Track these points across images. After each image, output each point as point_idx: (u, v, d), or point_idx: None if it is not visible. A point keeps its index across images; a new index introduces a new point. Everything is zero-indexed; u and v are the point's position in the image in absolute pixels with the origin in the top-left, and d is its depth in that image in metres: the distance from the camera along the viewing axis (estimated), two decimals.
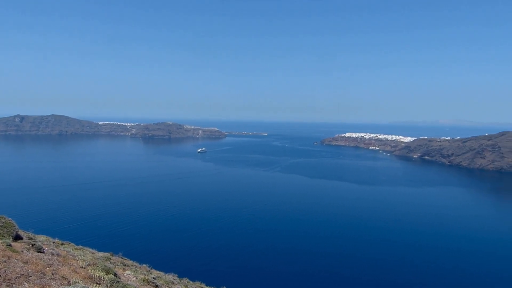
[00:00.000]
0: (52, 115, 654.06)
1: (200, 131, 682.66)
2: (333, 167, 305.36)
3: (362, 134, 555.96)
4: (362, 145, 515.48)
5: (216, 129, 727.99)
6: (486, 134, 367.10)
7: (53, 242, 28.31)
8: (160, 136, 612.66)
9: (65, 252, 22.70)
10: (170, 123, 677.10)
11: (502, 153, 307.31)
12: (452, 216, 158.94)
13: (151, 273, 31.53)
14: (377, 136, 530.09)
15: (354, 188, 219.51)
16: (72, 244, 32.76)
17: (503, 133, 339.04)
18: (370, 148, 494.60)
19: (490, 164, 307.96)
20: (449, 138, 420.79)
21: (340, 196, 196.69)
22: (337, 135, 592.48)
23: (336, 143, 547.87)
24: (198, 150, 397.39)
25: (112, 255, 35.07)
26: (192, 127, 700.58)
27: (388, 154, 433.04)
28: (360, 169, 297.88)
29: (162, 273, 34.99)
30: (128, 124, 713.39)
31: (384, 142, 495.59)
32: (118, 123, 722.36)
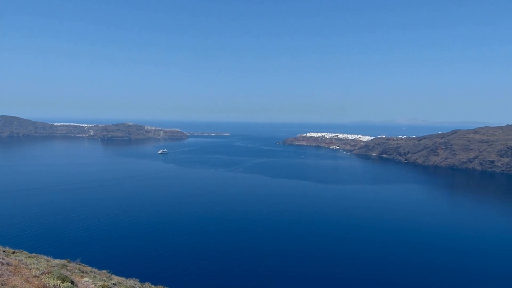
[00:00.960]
0: (2, 116, 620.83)
1: (162, 132, 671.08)
2: (296, 167, 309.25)
3: (323, 134, 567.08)
4: (323, 145, 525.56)
5: (178, 130, 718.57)
6: (439, 132, 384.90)
7: (3, 251, 26.62)
8: (119, 138, 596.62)
9: (17, 261, 21.34)
10: (130, 124, 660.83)
11: (454, 151, 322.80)
12: (409, 211, 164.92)
13: (111, 279, 30.40)
14: (337, 135, 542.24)
15: (316, 187, 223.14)
16: (25, 252, 31.02)
17: (454, 132, 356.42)
18: (331, 147, 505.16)
19: (443, 161, 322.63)
20: (405, 136, 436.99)
21: (303, 195, 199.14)
22: (299, 135, 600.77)
23: (298, 143, 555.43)
24: (160, 152, 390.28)
25: (69, 262, 33.57)
26: (153, 128, 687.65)
27: (348, 153, 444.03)
28: (322, 168, 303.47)
29: (123, 279, 33.87)
30: (86, 125, 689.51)
31: (344, 141, 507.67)
32: (75, 124, 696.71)
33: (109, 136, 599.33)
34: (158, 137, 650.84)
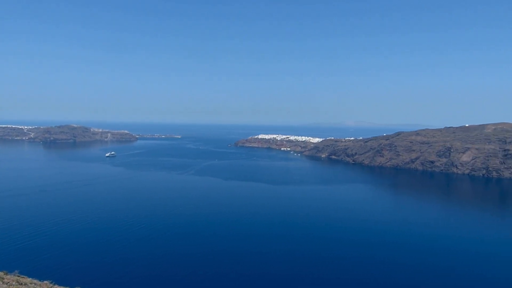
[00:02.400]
0: None
1: (109, 134, 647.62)
2: (248, 169, 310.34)
3: (274, 136, 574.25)
4: (274, 146, 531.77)
5: (126, 132, 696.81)
6: (384, 134, 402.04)
7: None
8: (63, 140, 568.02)
9: None
10: (75, 126, 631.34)
11: (398, 152, 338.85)
12: (358, 210, 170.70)
13: None
14: (288, 137, 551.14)
15: (269, 188, 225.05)
16: None
17: (398, 134, 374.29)
18: (282, 149, 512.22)
19: (388, 161, 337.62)
20: (353, 138, 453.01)
21: (256, 196, 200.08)
22: (250, 137, 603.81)
23: (250, 145, 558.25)
24: (107, 154, 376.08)
25: (6, 274, 31.32)
26: (100, 130, 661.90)
27: (299, 154, 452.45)
28: (273, 170, 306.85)
29: None
30: (26, 127, 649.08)
31: (295, 143, 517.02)
32: (12, 126, 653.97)
33: (51, 138, 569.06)
34: (106, 139, 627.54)
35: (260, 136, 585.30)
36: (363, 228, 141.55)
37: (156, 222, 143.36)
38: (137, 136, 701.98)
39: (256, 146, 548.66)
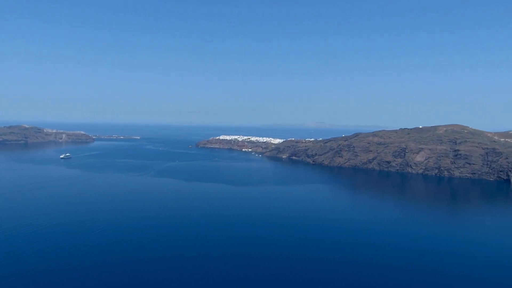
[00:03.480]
0: None
1: (64, 135, 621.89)
2: (209, 169, 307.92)
3: (236, 137, 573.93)
4: (235, 147, 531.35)
5: (82, 132, 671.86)
6: (343, 135, 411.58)
7: None
8: (13, 141, 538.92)
9: None
10: (27, 126, 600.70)
11: (356, 152, 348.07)
12: (318, 209, 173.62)
13: None
14: (249, 138, 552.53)
15: (230, 189, 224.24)
16: None
17: (356, 135, 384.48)
18: (243, 150, 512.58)
19: (346, 162, 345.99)
20: (313, 139, 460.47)
21: (218, 197, 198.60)
22: (211, 137, 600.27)
23: (211, 146, 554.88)
24: (62, 156, 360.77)
25: None
26: (54, 131, 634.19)
27: (260, 155, 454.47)
28: (235, 170, 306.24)
29: None
30: None
31: (256, 144, 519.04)
32: None
33: (0, 139, 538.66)
34: (60, 140, 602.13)
35: (221, 137, 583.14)
36: (325, 227, 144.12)
37: (115, 226, 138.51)
38: (94, 137, 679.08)
39: (218, 147, 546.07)
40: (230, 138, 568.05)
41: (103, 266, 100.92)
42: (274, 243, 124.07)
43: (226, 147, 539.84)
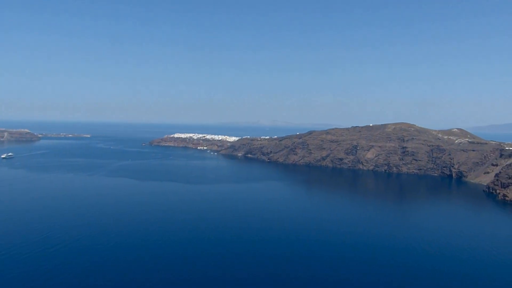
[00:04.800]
0: None
1: (6, 134, 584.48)
2: (164, 168, 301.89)
3: (191, 135, 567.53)
4: (190, 145, 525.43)
5: (27, 131, 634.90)
6: (297, 133, 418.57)
7: None
8: None
9: None
10: None
11: (310, 150, 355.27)
12: (274, 207, 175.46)
13: None
14: (204, 136, 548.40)
15: (186, 188, 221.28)
16: None
17: (310, 132, 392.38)
18: (198, 148, 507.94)
19: (301, 159, 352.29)
20: (268, 137, 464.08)
21: (173, 196, 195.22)
22: (166, 135, 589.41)
23: (165, 144, 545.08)
24: (3, 156, 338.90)
25: None
26: None
27: (215, 153, 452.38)
28: (190, 169, 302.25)
29: None
30: None
31: (212, 142, 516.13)
32: None
33: None
34: (2, 139, 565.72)
35: (176, 135, 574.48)
36: (281, 227, 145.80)
37: (61, 231, 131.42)
38: (40, 136, 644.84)
39: (172, 145, 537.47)
40: (185, 136, 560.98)
41: (26, 278, 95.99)
42: (230, 243, 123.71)
43: (181, 145, 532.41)
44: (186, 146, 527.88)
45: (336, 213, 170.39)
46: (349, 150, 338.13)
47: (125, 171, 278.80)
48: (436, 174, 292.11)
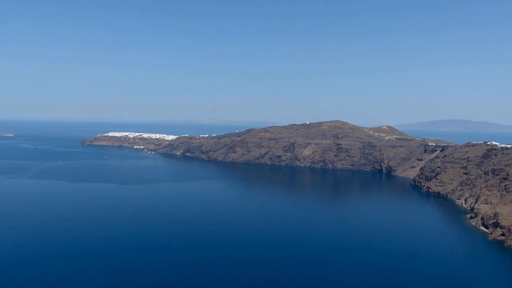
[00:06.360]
0: None
1: None
2: (97, 168, 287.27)
3: (126, 133, 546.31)
4: (126, 144, 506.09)
5: None
6: (236, 131, 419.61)
7: None
8: None
9: None
10: None
11: (249, 148, 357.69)
12: (217, 205, 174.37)
13: None
14: (141, 135, 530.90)
15: (120, 188, 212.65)
16: None
17: (249, 131, 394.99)
18: (134, 147, 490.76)
19: (240, 157, 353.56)
20: (207, 135, 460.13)
21: (107, 198, 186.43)
22: (99, 134, 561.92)
23: (99, 143, 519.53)
24: None
25: None
26: None
27: (153, 152, 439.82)
28: (126, 169, 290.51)
29: None
30: None
31: (149, 140, 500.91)
32: None
33: None
34: None
35: (110, 134, 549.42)
36: (220, 227, 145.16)
37: None
38: None
39: (106, 144, 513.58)
40: (120, 135, 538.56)
41: None
42: (168, 247, 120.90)
43: (116, 144, 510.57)
44: (122, 145, 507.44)
45: (276, 211, 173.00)
46: (287, 148, 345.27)
47: (54, 172, 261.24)
48: (368, 169, 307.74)
